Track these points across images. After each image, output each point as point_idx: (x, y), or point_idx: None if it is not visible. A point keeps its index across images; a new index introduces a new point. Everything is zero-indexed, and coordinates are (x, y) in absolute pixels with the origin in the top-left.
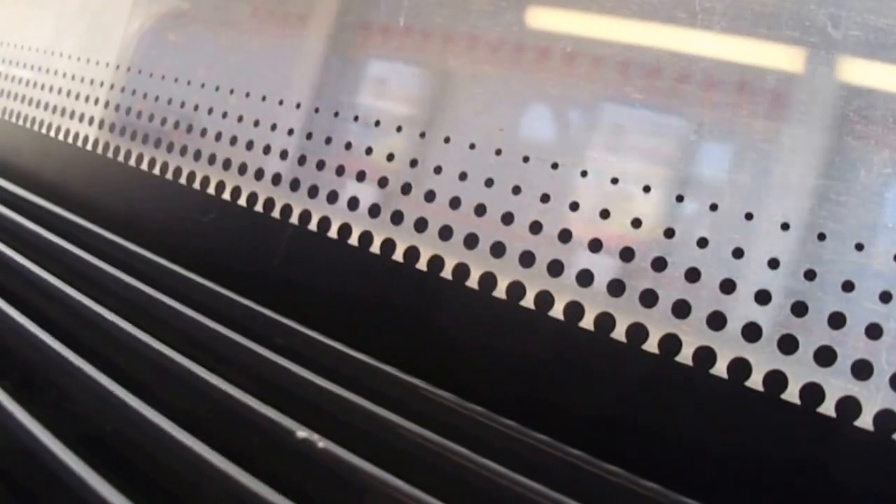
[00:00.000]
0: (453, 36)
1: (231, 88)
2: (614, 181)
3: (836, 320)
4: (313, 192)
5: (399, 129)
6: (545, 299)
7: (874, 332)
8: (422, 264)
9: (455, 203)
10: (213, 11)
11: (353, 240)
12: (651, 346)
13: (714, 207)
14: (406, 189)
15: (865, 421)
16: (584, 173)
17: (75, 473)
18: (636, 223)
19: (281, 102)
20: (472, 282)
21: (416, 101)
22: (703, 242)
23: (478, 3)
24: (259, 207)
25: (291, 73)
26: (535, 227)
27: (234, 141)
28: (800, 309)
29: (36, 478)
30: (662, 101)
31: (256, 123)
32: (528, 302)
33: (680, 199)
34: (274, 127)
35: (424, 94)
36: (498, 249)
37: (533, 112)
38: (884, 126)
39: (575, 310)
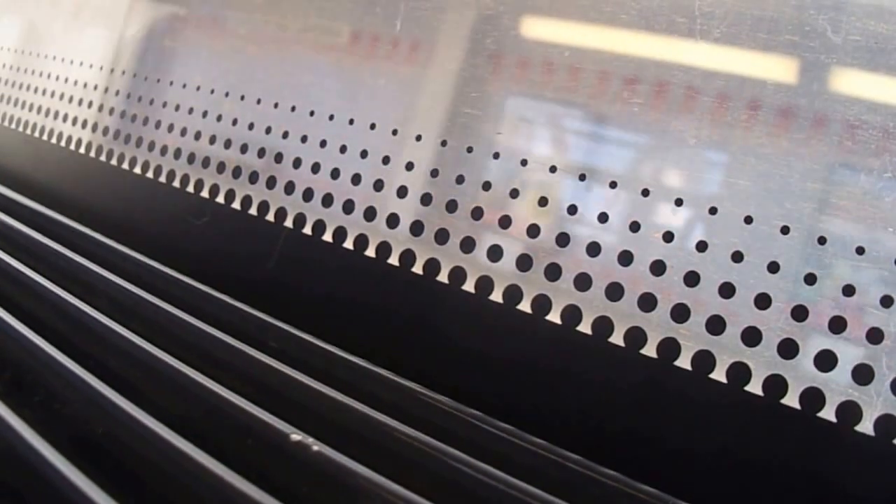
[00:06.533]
0: None
1: (226, 91)
2: (612, 185)
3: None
4: (308, 195)
5: (395, 132)
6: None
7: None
8: (417, 268)
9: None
10: (207, 16)
11: (349, 243)
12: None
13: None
14: (402, 192)
15: (866, 426)
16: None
17: (65, 476)
18: (635, 227)
19: (276, 105)
20: (469, 285)
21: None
22: (702, 246)
23: None
24: (253, 211)
25: (282, 74)
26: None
27: (228, 144)
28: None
29: (25, 480)
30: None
31: (251, 126)
32: (525, 306)
33: (679, 203)
34: (269, 130)
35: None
36: (495, 252)
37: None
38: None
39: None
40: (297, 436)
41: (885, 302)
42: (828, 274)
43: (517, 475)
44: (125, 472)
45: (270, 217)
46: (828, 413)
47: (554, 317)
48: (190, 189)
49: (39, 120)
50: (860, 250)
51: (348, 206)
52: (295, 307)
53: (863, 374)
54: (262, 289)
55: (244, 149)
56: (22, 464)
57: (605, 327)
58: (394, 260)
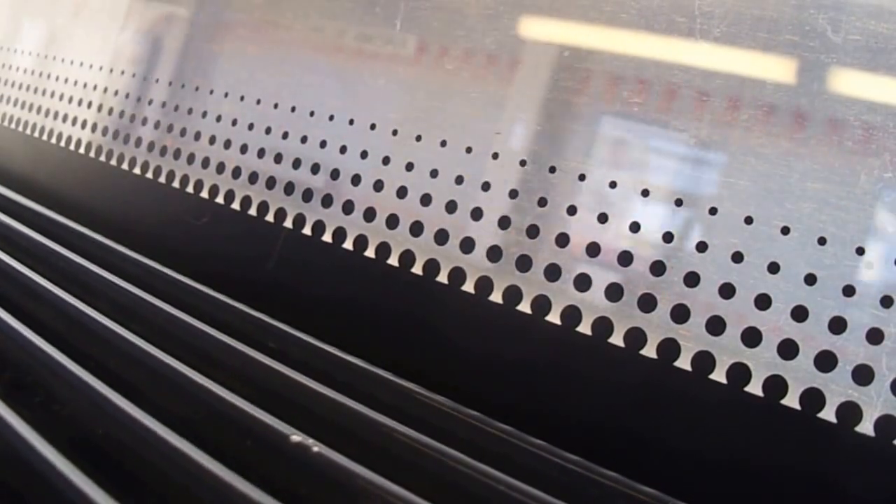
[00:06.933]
0: None
1: (225, 92)
2: (612, 185)
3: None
4: (307, 195)
5: (395, 132)
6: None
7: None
8: (417, 268)
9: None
10: (206, 16)
11: (348, 244)
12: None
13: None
14: (401, 193)
15: (866, 427)
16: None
17: (65, 477)
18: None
19: (276, 106)
20: (469, 286)
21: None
22: (702, 246)
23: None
24: (253, 211)
25: (279, 76)
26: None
27: (227, 144)
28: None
29: (25, 481)
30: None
31: (251, 126)
32: (525, 307)
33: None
34: (269, 130)
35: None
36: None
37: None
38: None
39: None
40: (296, 437)
41: (885, 302)
42: (828, 275)
43: (517, 476)
44: (125, 473)
45: (270, 217)
46: (828, 413)
47: (554, 317)
48: (189, 189)
49: (39, 120)
50: (860, 251)
51: (348, 207)
52: (295, 308)
53: (863, 375)
54: (262, 289)
55: (244, 149)
56: (22, 465)
57: (604, 327)
58: (393, 261)
